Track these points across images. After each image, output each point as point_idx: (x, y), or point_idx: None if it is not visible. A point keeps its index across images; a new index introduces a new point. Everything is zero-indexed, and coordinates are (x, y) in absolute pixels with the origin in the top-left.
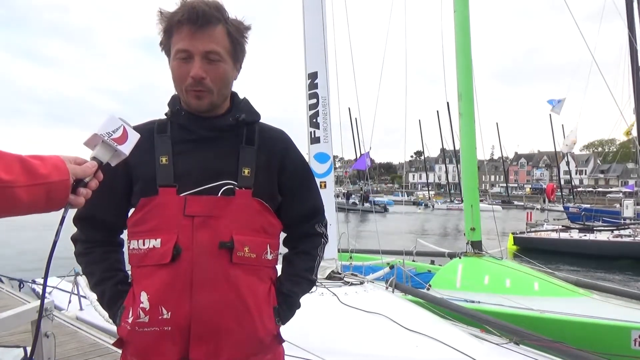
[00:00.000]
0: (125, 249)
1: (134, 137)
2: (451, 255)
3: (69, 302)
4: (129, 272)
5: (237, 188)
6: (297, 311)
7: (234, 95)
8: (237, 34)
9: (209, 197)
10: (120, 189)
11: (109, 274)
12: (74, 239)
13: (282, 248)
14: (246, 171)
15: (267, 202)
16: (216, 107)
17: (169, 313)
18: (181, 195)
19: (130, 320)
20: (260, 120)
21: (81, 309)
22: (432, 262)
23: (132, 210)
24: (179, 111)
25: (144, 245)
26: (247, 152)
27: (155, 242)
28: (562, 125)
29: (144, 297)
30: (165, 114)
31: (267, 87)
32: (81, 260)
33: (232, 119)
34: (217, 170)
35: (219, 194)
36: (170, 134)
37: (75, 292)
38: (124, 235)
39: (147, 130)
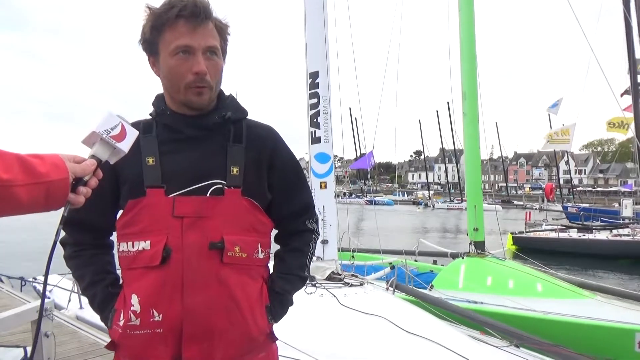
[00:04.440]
0: (115, 251)
1: (132, 134)
2: (454, 256)
3: (69, 300)
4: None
5: (226, 187)
6: (296, 312)
7: (220, 92)
8: (224, 29)
9: (198, 197)
10: (107, 190)
11: (99, 276)
12: (63, 242)
13: (274, 245)
14: (235, 170)
15: (257, 200)
16: (211, 102)
17: (160, 315)
18: (169, 196)
19: (121, 323)
20: (249, 117)
21: (81, 307)
22: (435, 262)
23: (120, 212)
24: (164, 111)
25: (133, 247)
26: (235, 151)
27: (144, 244)
28: (562, 124)
29: (134, 299)
30: (150, 114)
31: (267, 87)
32: (71, 263)
33: (219, 117)
34: (205, 170)
35: (208, 194)
36: (156, 134)
37: (76, 290)
38: (114, 237)
39: None
